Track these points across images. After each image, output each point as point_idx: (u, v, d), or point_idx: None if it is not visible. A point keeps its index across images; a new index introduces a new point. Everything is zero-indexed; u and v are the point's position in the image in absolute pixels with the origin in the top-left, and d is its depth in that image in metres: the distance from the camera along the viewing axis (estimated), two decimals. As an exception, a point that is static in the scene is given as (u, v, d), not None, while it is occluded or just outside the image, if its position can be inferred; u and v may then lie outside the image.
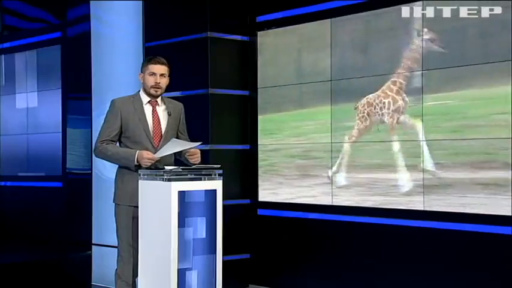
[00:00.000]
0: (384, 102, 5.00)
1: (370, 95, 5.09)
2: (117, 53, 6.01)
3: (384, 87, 5.01)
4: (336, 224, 5.26)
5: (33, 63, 7.72)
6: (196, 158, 4.13)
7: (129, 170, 4.10)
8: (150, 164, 4.01)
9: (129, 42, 5.97)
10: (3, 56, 8.14)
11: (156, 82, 4.16)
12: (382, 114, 5.02)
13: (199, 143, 4.13)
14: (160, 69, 4.17)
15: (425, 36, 4.74)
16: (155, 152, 4.06)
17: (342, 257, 5.23)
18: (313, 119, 5.45)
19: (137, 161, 4.03)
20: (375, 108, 5.06)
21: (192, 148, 4.12)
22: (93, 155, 4.35)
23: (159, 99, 4.24)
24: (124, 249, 4.13)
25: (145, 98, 4.21)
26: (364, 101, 5.12)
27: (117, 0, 6.03)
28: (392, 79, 4.95)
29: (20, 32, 8.00)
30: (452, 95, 4.60)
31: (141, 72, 4.23)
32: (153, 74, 4.17)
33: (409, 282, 4.83)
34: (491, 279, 4.44)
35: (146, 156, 4.01)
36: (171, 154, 4.17)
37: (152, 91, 4.18)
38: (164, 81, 4.20)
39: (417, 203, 4.77)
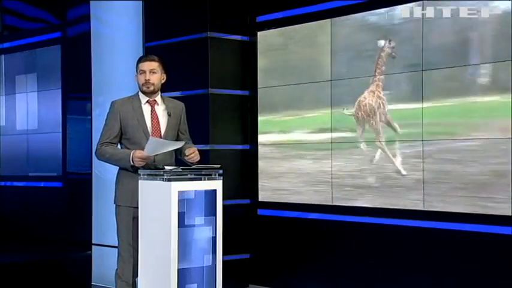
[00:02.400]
0: (379, 104, 4.97)
1: (363, 96, 5.05)
2: (117, 53, 6.01)
3: (371, 88, 4.99)
4: (336, 224, 5.26)
5: (33, 63, 7.72)
6: (195, 157, 4.11)
7: (129, 172, 4.09)
8: (143, 163, 4.00)
9: (129, 42, 5.97)
10: (3, 56, 8.14)
11: (145, 79, 4.14)
12: (381, 113, 4.99)
13: (183, 143, 4.09)
14: (149, 65, 4.15)
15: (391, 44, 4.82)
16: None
17: (341, 257, 5.23)
18: (313, 119, 5.45)
19: (132, 161, 4.03)
20: (378, 108, 4.99)
21: (178, 146, 4.08)
22: (95, 157, 4.34)
23: (158, 99, 4.23)
24: (124, 249, 4.13)
25: (143, 98, 4.20)
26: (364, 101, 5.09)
27: (117, 0, 6.03)
28: (375, 82, 4.96)
29: (20, 32, 7.99)
30: (452, 95, 4.61)
31: (136, 73, 4.23)
32: (143, 72, 4.16)
33: (409, 282, 4.83)
34: (491, 279, 4.44)
35: (137, 155, 4.00)
36: (172, 154, 4.17)
37: (144, 88, 4.16)
38: (155, 77, 4.16)
39: (417, 203, 4.78)
